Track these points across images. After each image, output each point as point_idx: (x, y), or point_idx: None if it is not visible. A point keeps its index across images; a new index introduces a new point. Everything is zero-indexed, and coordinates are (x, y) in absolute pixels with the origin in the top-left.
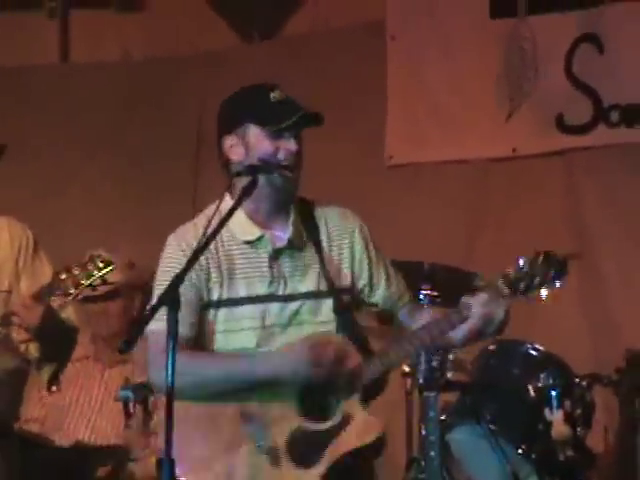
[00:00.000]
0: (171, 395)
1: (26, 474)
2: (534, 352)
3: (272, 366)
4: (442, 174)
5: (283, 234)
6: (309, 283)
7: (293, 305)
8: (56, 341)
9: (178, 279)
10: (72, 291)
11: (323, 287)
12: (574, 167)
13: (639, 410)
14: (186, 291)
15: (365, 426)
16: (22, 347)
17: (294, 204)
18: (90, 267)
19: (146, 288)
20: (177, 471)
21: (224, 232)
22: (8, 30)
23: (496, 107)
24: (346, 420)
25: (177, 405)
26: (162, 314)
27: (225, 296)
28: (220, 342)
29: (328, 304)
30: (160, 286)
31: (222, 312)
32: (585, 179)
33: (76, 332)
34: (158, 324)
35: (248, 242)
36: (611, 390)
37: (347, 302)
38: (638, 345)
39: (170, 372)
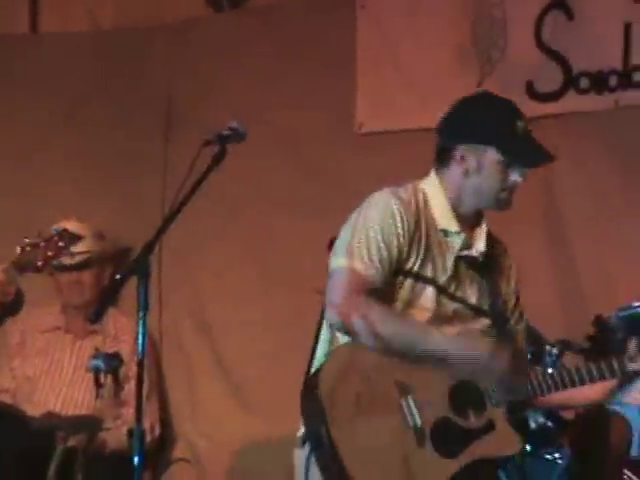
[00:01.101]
0: (142, 362)
1: None
2: None
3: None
4: (413, 142)
5: (476, 243)
6: (474, 294)
7: (458, 307)
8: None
9: (149, 248)
10: (40, 265)
11: (485, 305)
12: (544, 134)
13: None
14: (393, 250)
15: (505, 438)
16: None
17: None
18: (57, 241)
19: (116, 259)
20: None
21: (429, 213)
22: None
23: (466, 75)
24: (489, 426)
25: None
26: (365, 254)
27: (416, 269)
28: (397, 310)
29: (483, 322)
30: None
31: (408, 282)
32: (555, 146)
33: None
34: (356, 263)
35: (445, 231)
36: (582, 357)
37: (504, 327)
38: (607, 312)
39: (141, 339)
